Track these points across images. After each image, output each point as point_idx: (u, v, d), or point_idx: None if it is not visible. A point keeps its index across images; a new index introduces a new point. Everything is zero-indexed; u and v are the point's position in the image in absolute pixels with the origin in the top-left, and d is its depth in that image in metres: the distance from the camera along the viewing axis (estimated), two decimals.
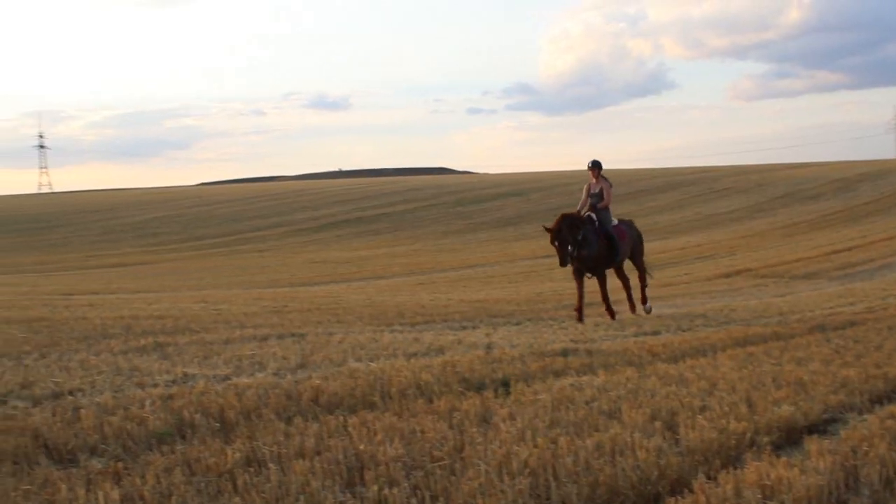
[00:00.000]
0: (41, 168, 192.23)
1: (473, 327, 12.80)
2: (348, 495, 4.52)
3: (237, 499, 4.44)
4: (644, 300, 15.68)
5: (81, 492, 4.44)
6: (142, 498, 4.40)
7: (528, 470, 4.82)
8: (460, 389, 7.14)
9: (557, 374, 8.03)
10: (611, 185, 15.21)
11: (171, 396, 6.69)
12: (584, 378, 7.78)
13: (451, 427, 5.79)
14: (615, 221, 15.24)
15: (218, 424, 5.90)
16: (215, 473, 4.81)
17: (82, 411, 6.15)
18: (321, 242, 62.41)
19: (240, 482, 4.61)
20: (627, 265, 15.88)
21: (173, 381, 7.47)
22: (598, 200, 15.04)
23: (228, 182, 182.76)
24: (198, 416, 6.02)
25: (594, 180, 15.17)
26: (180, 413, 6.07)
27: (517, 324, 13.37)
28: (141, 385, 7.32)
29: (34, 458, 5.12)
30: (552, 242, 14.26)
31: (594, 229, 14.71)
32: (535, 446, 5.21)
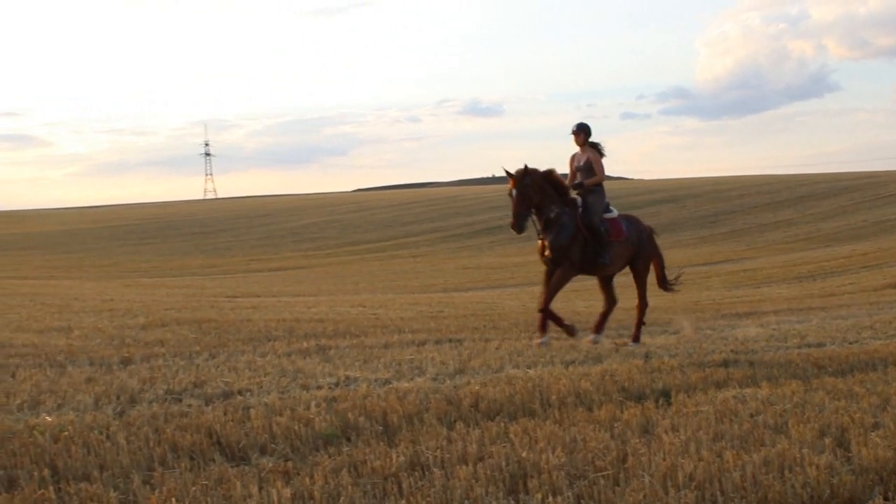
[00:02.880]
0: (207, 175, 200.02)
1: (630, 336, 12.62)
2: (512, 502, 4.54)
3: (403, 502, 4.51)
4: (636, 333, 11.72)
5: (254, 489, 4.59)
6: (311, 497, 4.52)
7: (693, 483, 4.73)
8: (620, 399, 7.06)
9: (719, 386, 7.84)
10: (602, 156, 11.64)
11: (334, 399, 6.85)
12: (748, 390, 7.57)
13: (612, 437, 5.74)
14: (613, 212, 11.69)
15: (381, 427, 6.00)
16: (381, 476, 4.89)
17: (251, 411, 6.36)
18: (474, 248, 62.83)
19: (405, 485, 4.68)
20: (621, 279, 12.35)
21: (336, 384, 7.64)
22: (586, 176, 11.51)
23: (384, 188, 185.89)
24: (361, 418, 6.14)
25: (580, 149, 11.65)
26: (344, 415, 6.20)
27: (674, 333, 13.13)
28: (305, 387, 7.52)
29: (209, 455, 5.33)
30: (510, 192, 10.89)
31: (573, 213, 11.20)
32: (700, 459, 5.11)
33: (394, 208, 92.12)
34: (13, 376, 7.88)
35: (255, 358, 9.17)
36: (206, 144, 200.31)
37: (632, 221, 12.03)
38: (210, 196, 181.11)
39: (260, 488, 4.62)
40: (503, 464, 5.06)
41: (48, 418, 6.11)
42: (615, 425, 6.10)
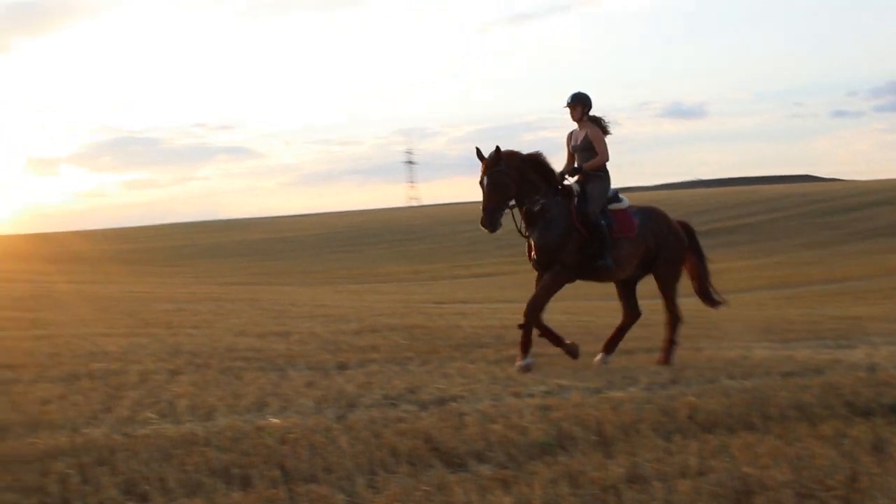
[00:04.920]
0: (410, 182, 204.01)
1: (850, 346, 12.01)
2: None
3: None
4: (666, 355, 9.71)
5: (475, 497, 4.64)
6: None
7: None
8: (845, 413, 6.74)
9: None
10: (603, 132, 9.61)
11: (547, 407, 6.84)
12: None
13: (841, 454, 5.48)
14: (623, 201, 9.69)
15: (596, 438, 5.95)
16: (599, 487, 4.85)
17: (466, 417, 6.44)
18: None
19: (625, 498, 4.62)
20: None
21: (548, 392, 7.63)
22: (585, 158, 9.57)
23: None
24: (576, 428, 6.11)
25: (577, 125, 9.72)
26: (559, 424, 6.19)
27: None
28: (517, 394, 7.54)
29: (427, 461, 5.42)
30: (480, 181, 9.08)
31: (565, 205, 9.33)
32: None
33: None
34: (239, 379, 8.26)
35: (465, 364, 9.27)
36: (409, 152, 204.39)
37: (649, 214, 9.93)
38: (414, 203, 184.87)
39: (480, 496, 4.66)
40: (725, 479, 4.92)
41: (274, 420, 6.37)
42: (843, 442, 5.82)
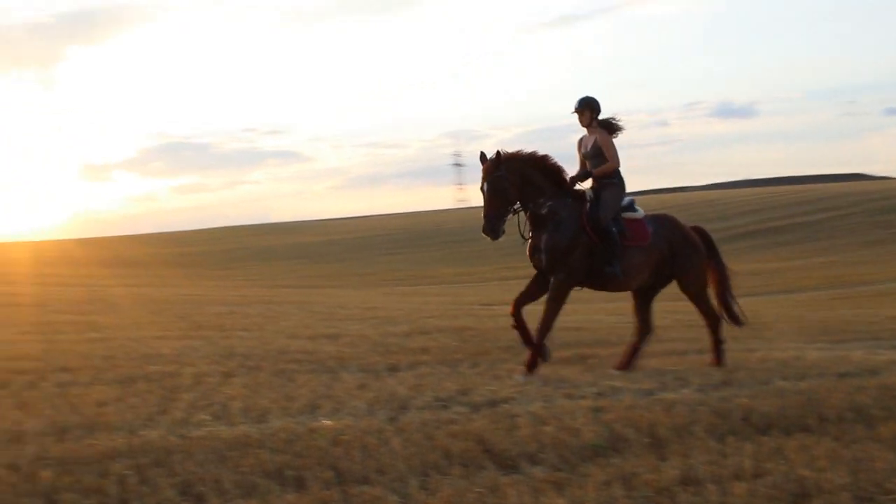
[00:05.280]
0: (457, 184, 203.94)
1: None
2: None
3: None
4: (718, 357, 9.56)
5: (528, 499, 4.64)
6: None
7: None
8: None
9: None
10: (611, 136, 9.34)
11: (600, 409, 6.81)
12: None
13: None
14: (638, 211, 9.46)
15: (649, 440, 5.92)
16: (653, 490, 4.83)
17: (518, 419, 6.43)
18: (730, 254, 60.59)
19: (679, 500, 4.59)
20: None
21: (600, 394, 7.59)
22: (596, 165, 9.34)
23: (635, 194, 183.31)
24: (629, 430, 6.08)
25: (587, 131, 9.48)
26: (611, 426, 6.16)
27: None
28: (569, 396, 7.52)
29: (480, 463, 5.42)
30: (481, 187, 8.96)
31: (576, 208, 9.09)
32: None
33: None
34: (291, 381, 8.33)
35: (516, 366, 9.26)
36: (457, 155, 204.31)
37: (663, 223, 9.68)
38: (461, 205, 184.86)
39: (534, 498, 4.66)
40: (781, 481, 4.87)
41: (327, 422, 6.41)
42: None
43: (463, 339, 12.20)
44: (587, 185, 9.39)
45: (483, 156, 8.97)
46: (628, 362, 9.33)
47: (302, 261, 72.19)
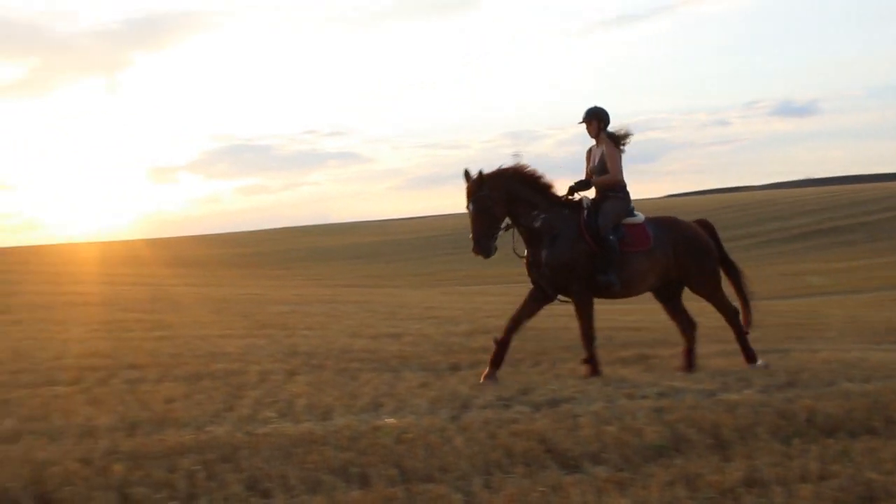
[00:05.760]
0: None
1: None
2: None
3: None
4: (747, 353, 9.36)
5: (591, 498, 4.66)
6: None
7: None
8: None
9: None
10: (619, 149, 9.19)
11: (661, 409, 6.79)
12: None
13: None
14: (637, 216, 9.19)
15: (712, 441, 5.89)
16: (716, 490, 4.81)
17: (580, 419, 6.44)
18: (792, 254, 60.02)
19: (744, 502, 4.58)
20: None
21: (661, 394, 7.56)
22: (600, 174, 9.21)
23: (694, 193, 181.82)
24: (691, 430, 6.06)
25: (594, 141, 9.36)
26: (674, 427, 6.14)
27: None
28: (630, 396, 7.50)
29: (542, 462, 5.45)
30: (466, 206, 8.81)
31: (573, 217, 8.91)
32: None
33: (705, 214, 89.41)
34: (355, 379, 8.42)
35: (577, 366, 9.25)
36: (517, 155, 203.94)
37: (665, 226, 9.31)
38: None
39: (597, 498, 4.68)
40: (848, 484, 4.83)
41: (390, 420, 6.47)
42: None
43: (523, 338, 12.14)
44: (589, 194, 9.19)
45: (467, 174, 8.76)
46: (689, 364, 9.22)
47: (361, 261, 72.57)
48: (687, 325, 9.48)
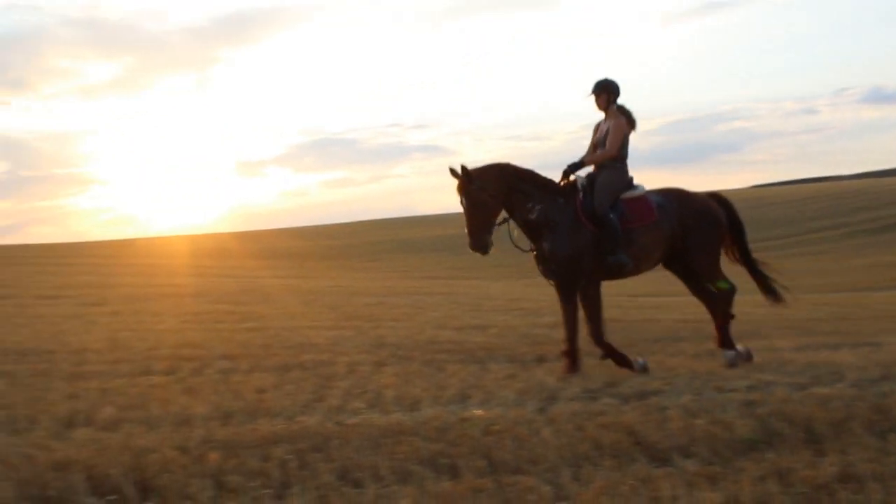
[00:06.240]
0: None
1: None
2: None
3: None
4: (723, 341, 8.93)
5: (682, 492, 4.63)
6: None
7: None
8: None
9: None
10: (629, 125, 8.81)
11: (751, 402, 6.70)
12: None
13: None
14: (638, 189, 8.81)
15: (804, 435, 5.80)
16: (810, 486, 4.75)
17: (668, 412, 6.39)
18: (883, 244, 58.48)
19: (839, 498, 4.51)
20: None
21: (751, 387, 7.46)
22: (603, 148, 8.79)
23: (781, 184, 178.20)
24: (783, 424, 5.97)
25: (603, 115, 8.92)
26: (765, 420, 6.07)
27: None
28: (719, 389, 7.41)
29: (631, 455, 5.43)
30: (460, 202, 8.49)
31: (568, 204, 8.56)
32: None
33: (792, 204, 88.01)
34: (442, 371, 8.48)
35: (664, 358, 9.19)
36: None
37: (670, 197, 8.88)
38: None
39: (688, 492, 4.65)
40: None
41: (478, 412, 6.51)
42: None
43: (610, 330, 12.09)
44: (585, 172, 8.84)
45: (453, 171, 8.43)
46: (725, 340, 8.90)
47: (447, 253, 72.77)
48: (711, 301, 9.11)
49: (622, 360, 8.58)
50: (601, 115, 8.92)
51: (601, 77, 8.86)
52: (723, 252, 9.24)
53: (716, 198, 9.27)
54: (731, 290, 9.10)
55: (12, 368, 8.64)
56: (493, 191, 8.36)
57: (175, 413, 6.55)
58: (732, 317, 9.02)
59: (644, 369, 8.44)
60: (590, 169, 8.82)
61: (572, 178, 8.73)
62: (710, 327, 10.97)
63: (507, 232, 8.68)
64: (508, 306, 17.13)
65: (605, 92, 8.78)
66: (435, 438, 5.73)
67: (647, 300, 20.55)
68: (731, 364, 8.66)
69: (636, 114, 8.92)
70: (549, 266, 8.59)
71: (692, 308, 16.52)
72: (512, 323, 13.20)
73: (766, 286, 9.45)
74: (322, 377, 8.15)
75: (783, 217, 79.50)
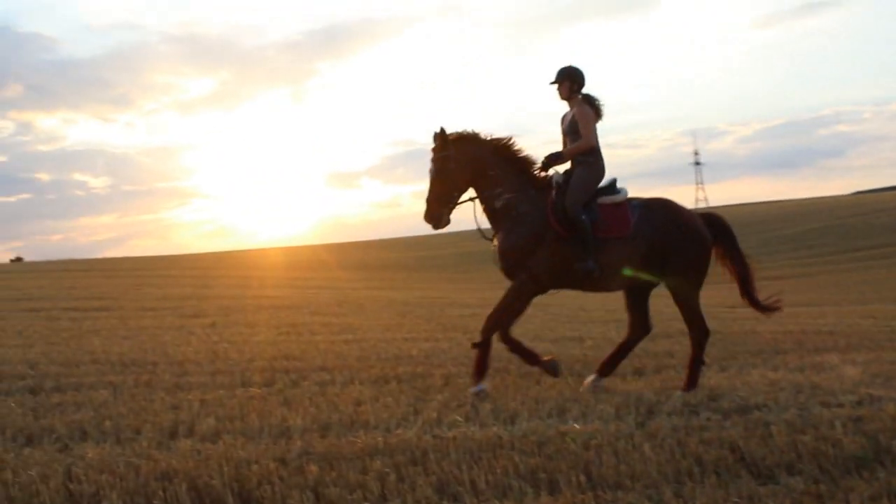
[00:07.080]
0: (697, 184, 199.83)
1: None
2: None
3: None
4: (689, 379, 8.03)
5: None
6: None
7: None
8: None
9: None
10: (596, 114, 8.06)
11: (860, 418, 6.50)
12: None
13: None
14: (620, 193, 8.03)
15: None
16: None
17: (772, 427, 6.23)
18: None
19: None
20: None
21: (859, 403, 7.24)
22: (574, 141, 8.06)
23: (887, 189, 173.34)
24: (894, 441, 5.78)
25: (567, 104, 8.25)
26: (875, 437, 5.87)
27: None
28: (825, 404, 7.21)
29: (734, 471, 5.30)
30: (429, 168, 7.93)
31: (541, 199, 7.95)
32: None
33: None
34: (539, 384, 8.42)
35: (766, 372, 8.98)
36: (696, 153, 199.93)
37: (653, 208, 8.00)
38: (702, 205, 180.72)
39: None
40: None
41: (576, 426, 6.44)
42: None
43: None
44: (564, 168, 8.17)
45: (436, 134, 7.96)
46: (610, 366, 8.36)
47: None
48: (640, 323, 8.41)
49: (531, 359, 8.14)
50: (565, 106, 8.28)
51: (564, 64, 8.26)
52: (720, 264, 8.52)
53: (707, 217, 8.48)
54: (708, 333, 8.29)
55: (116, 379, 8.84)
56: (462, 162, 7.88)
57: (273, 425, 6.62)
58: (703, 363, 8.27)
59: (553, 372, 8.09)
60: (567, 166, 8.19)
61: (551, 171, 8.15)
62: (815, 339, 10.65)
63: (473, 213, 8.10)
64: (605, 318, 16.94)
65: (569, 80, 8.15)
66: (533, 453, 5.68)
67: (746, 311, 20.14)
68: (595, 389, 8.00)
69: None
70: (497, 260, 8.04)
71: (793, 319, 16.16)
72: (609, 335, 13.03)
73: (758, 304, 8.67)
74: (419, 389, 8.16)
75: (890, 224, 77.22)
